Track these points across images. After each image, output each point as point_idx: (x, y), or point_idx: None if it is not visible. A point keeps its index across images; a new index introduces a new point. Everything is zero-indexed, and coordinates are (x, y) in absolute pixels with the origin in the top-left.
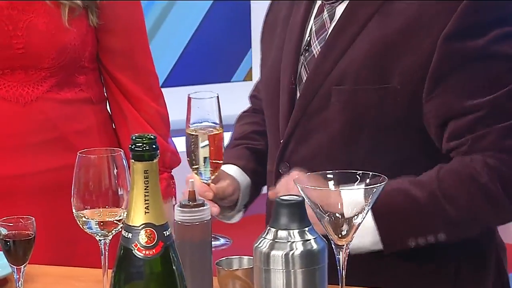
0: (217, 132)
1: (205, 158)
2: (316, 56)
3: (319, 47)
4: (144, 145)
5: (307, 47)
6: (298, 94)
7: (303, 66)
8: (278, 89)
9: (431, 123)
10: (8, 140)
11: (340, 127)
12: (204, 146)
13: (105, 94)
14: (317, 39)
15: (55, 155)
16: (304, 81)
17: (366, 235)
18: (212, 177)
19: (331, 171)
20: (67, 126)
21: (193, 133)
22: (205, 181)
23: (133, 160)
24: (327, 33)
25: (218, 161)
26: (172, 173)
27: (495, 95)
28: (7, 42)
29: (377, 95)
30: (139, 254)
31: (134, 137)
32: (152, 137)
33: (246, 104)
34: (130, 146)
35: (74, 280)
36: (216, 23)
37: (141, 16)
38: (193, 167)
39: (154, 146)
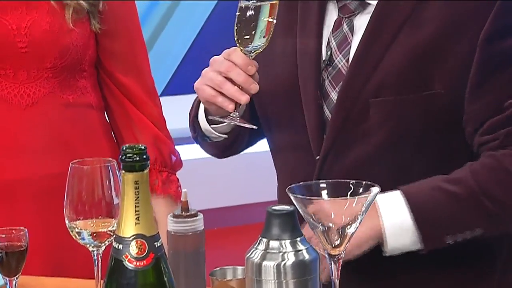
0: (275, 2)
1: (262, 29)
2: (343, 70)
3: (344, 61)
4: (135, 155)
5: (329, 62)
6: (327, 110)
7: (328, 82)
8: (297, 105)
9: (471, 123)
10: (8, 144)
11: (383, 137)
12: (263, 17)
13: (103, 101)
14: (340, 53)
15: (56, 160)
16: (333, 97)
17: (405, 234)
18: (260, 50)
19: (324, 181)
20: (68, 130)
21: (253, 2)
22: (251, 52)
23: (123, 171)
24: (351, 46)
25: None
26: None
27: None
28: (11, 40)
29: (422, 102)
30: (129, 265)
31: (124, 148)
32: (143, 147)
33: None
34: (120, 157)
35: None
36: (218, 26)
37: (137, 17)
38: (245, 37)
39: (144, 157)
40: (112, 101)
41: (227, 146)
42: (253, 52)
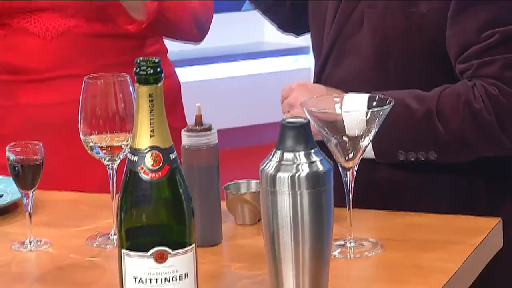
0: None
1: None
2: None
3: None
4: (149, 68)
5: None
6: None
7: None
8: (324, 6)
9: (452, 48)
10: (36, 73)
11: (370, 52)
12: None
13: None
14: None
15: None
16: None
17: None
18: None
19: (337, 94)
20: (96, 59)
21: None
22: None
23: (138, 84)
24: None
25: None
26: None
27: (509, 27)
28: None
29: (405, 19)
30: (145, 177)
31: (138, 61)
32: (157, 60)
33: (257, 33)
34: (134, 70)
35: (84, 205)
36: None
37: None
38: None
39: (158, 70)
40: None
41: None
42: None
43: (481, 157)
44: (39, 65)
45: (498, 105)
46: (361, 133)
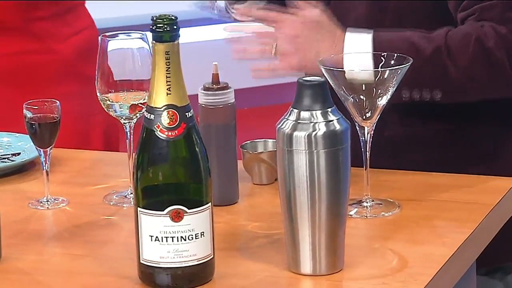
0: None
1: None
2: None
3: None
4: (165, 25)
5: None
6: None
7: None
8: None
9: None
10: None
11: (365, 11)
12: None
13: None
14: None
15: (14, 40)
16: None
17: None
18: None
19: (355, 53)
20: (26, 12)
21: None
22: None
23: (154, 42)
24: None
25: None
26: None
27: None
28: None
29: None
30: (161, 135)
31: (155, 18)
32: (173, 17)
33: None
34: (150, 27)
35: (101, 164)
36: None
37: None
38: None
39: (175, 27)
40: None
41: None
42: None
43: (488, 100)
44: None
45: (509, 44)
46: (379, 92)
